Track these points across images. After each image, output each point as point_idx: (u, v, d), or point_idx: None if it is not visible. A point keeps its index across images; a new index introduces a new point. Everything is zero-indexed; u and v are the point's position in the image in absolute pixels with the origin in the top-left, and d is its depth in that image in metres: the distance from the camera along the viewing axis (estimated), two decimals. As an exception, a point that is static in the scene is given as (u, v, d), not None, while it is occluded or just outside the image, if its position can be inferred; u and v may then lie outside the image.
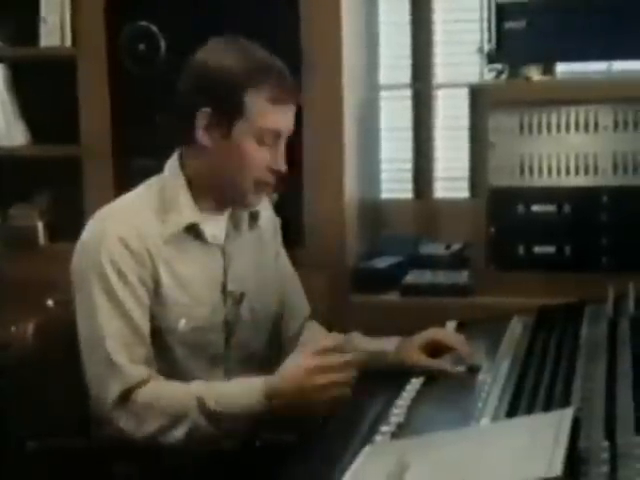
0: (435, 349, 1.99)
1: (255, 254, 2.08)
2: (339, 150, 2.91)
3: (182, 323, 1.93)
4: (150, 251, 1.90)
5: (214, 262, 1.99)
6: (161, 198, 1.95)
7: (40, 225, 3.23)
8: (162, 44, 2.97)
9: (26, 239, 3.20)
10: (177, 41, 2.96)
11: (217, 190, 1.96)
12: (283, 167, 1.94)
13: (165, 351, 1.93)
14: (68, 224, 3.10)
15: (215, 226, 1.99)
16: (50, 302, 2.09)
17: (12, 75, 3.28)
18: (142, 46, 2.98)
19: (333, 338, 1.91)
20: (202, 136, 1.90)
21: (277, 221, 2.18)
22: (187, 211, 1.94)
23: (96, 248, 1.88)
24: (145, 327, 1.90)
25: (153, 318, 1.91)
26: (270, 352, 2.11)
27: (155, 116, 3.00)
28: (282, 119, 1.92)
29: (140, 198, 1.97)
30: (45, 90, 3.24)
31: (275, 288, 2.12)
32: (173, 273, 1.93)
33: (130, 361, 1.85)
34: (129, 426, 1.82)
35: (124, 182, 3.01)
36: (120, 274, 1.87)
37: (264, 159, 1.91)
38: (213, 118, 1.88)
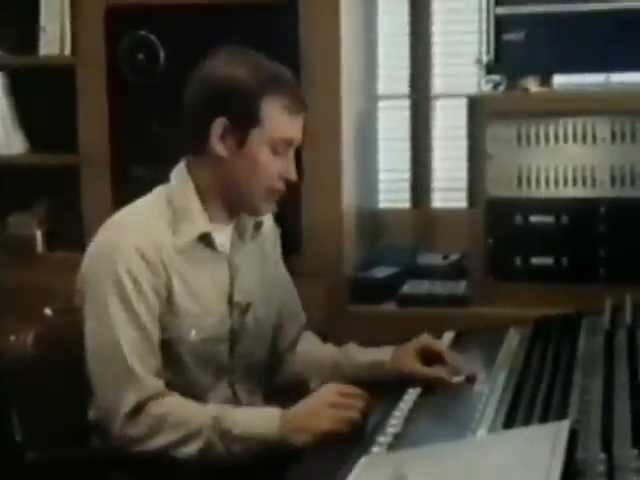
0: (430, 357, 2.00)
1: (258, 263, 2.08)
2: (337, 159, 2.92)
3: (193, 333, 1.93)
4: (164, 261, 1.90)
5: (221, 272, 2.00)
6: (171, 207, 1.95)
7: (39, 234, 3.24)
8: (161, 54, 2.98)
9: (25, 247, 3.21)
10: (176, 51, 2.97)
11: (227, 199, 1.97)
12: (294, 176, 1.96)
13: (174, 362, 1.93)
14: (67, 233, 3.13)
15: (223, 236, 2.00)
16: (49, 311, 2.09)
17: (11, 83, 3.28)
18: (141, 56, 2.99)
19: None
20: (217, 145, 1.91)
21: (277, 230, 2.19)
22: (199, 220, 1.95)
23: (112, 257, 1.88)
24: (156, 339, 1.90)
25: (164, 328, 1.91)
26: (270, 361, 2.12)
27: (154, 125, 3.01)
28: (295, 128, 1.94)
29: (151, 207, 1.97)
30: (44, 99, 3.25)
31: (276, 297, 2.12)
32: (185, 283, 1.93)
33: (149, 373, 1.85)
34: (141, 437, 1.82)
35: (122, 191, 3.03)
36: (136, 284, 1.87)
37: (277, 168, 1.93)
38: (229, 127, 1.89)
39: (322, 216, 2.92)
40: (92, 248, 1.95)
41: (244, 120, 1.89)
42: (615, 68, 2.73)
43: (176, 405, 1.84)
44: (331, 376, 2.05)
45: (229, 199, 1.97)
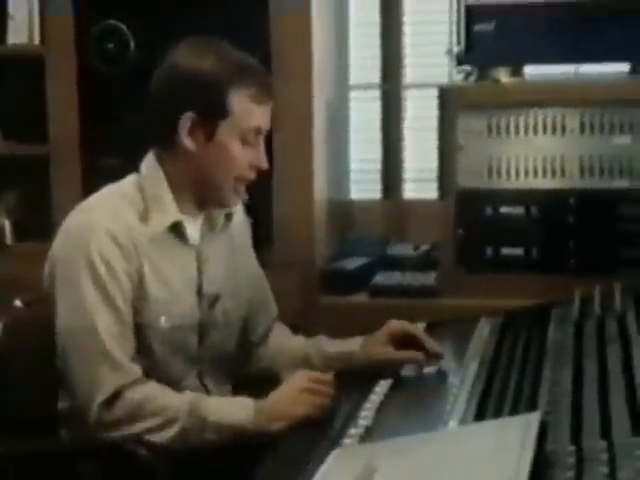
0: (400, 343, 2.00)
1: (228, 255, 2.08)
2: (308, 150, 2.91)
3: (162, 320, 1.93)
4: (136, 246, 1.90)
5: (190, 263, 1.99)
6: (142, 196, 1.94)
7: (7, 224, 3.20)
8: (131, 43, 2.95)
9: (-7, 238, 3.18)
10: (146, 40, 2.94)
11: (198, 190, 1.96)
12: (265, 164, 1.96)
13: (145, 349, 1.92)
14: (36, 223, 3.10)
15: (192, 227, 1.99)
16: (18, 302, 2.07)
17: (-21, 72, 3.25)
18: (111, 45, 2.96)
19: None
20: (186, 140, 1.90)
21: (248, 221, 2.19)
22: (171, 210, 1.94)
23: (85, 240, 1.87)
24: (130, 323, 1.90)
25: (135, 314, 1.91)
26: (239, 353, 2.12)
27: (124, 115, 2.99)
28: (263, 117, 1.93)
29: (122, 194, 1.96)
30: (13, 88, 3.21)
31: (246, 289, 2.12)
32: (155, 269, 1.93)
33: (127, 358, 1.85)
34: (117, 424, 1.81)
35: (92, 181, 2.99)
36: (109, 268, 1.86)
37: (247, 157, 1.93)
38: (196, 121, 1.89)
39: (293, 207, 2.92)
40: (63, 231, 1.94)
41: (212, 113, 1.88)
42: (585, 59, 2.74)
43: (154, 392, 1.84)
44: (301, 368, 2.05)
45: (199, 191, 1.96)
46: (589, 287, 2.16)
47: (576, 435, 1.37)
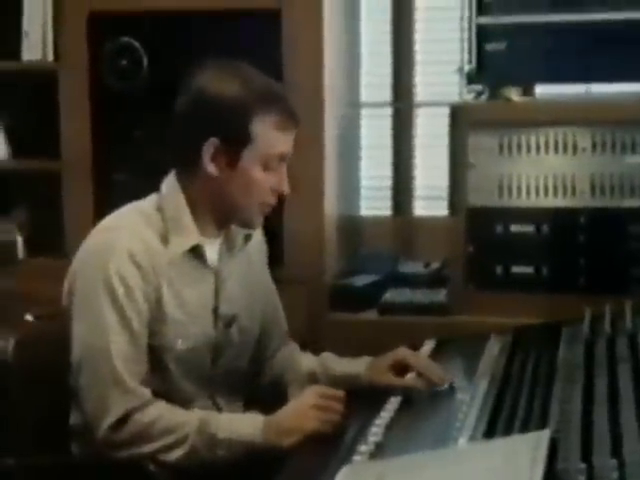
0: (405, 368, 2.00)
1: (244, 275, 2.08)
2: (319, 167, 2.92)
3: (179, 342, 1.94)
4: (155, 267, 1.90)
5: (207, 285, 2.00)
6: (162, 217, 1.95)
7: (19, 240, 3.22)
8: (144, 60, 2.97)
9: (5, 254, 3.18)
10: (160, 57, 2.96)
11: (219, 214, 1.97)
12: (287, 189, 1.97)
13: (160, 370, 1.93)
14: (48, 239, 3.11)
15: (211, 249, 2.00)
16: (29, 317, 2.08)
17: (-7, 88, 3.27)
18: (124, 62, 2.98)
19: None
20: (209, 165, 1.90)
21: (264, 240, 2.19)
22: (191, 232, 1.94)
23: (104, 260, 1.87)
24: (144, 345, 1.90)
25: (152, 335, 1.91)
26: (251, 370, 2.12)
27: (136, 132, 3.01)
28: (287, 144, 1.94)
29: (142, 214, 1.96)
30: (26, 104, 3.23)
31: (260, 308, 2.13)
32: (174, 291, 1.93)
33: (136, 381, 1.85)
34: (125, 445, 1.82)
35: (104, 197, 3.03)
36: (127, 289, 1.87)
37: (269, 183, 1.93)
38: (220, 148, 1.89)
39: (304, 223, 2.92)
40: (83, 250, 1.94)
41: (236, 140, 1.89)
42: (596, 79, 2.75)
43: (162, 413, 1.84)
44: (308, 385, 2.06)
45: (221, 213, 1.97)
46: (599, 306, 2.16)
47: (587, 453, 1.37)
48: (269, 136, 1.90)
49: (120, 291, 1.86)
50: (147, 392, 1.86)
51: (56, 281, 1.99)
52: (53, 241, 3.04)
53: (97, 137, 3.04)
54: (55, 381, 1.95)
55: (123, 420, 1.82)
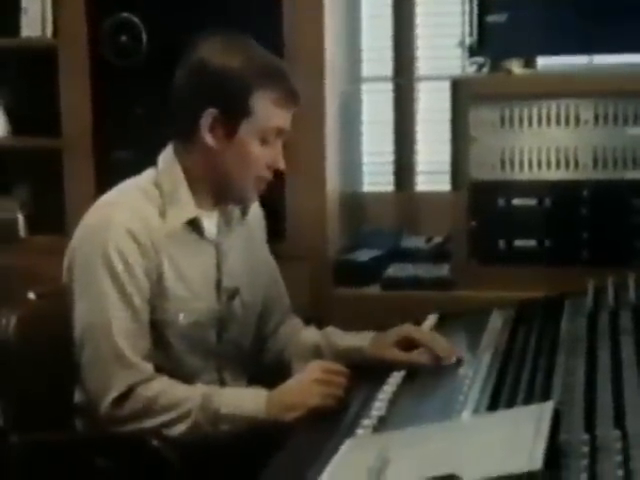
0: (410, 344, 2.00)
1: (245, 249, 2.08)
2: (321, 143, 2.91)
3: (181, 317, 1.94)
4: (154, 243, 1.90)
5: (209, 258, 2.00)
6: (159, 192, 1.95)
7: (20, 217, 3.22)
8: (144, 36, 2.95)
9: (6, 231, 3.19)
10: (159, 33, 2.95)
11: (215, 186, 1.97)
12: (282, 165, 1.97)
13: (163, 345, 1.93)
14: (49, 216, 3.11)
15: (209, 222, 2.00)
16: (31, 295, 2.08)
17: (-8, 66, 3.26)
18: (124, 38, 2.96)
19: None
20: (206, 136, 1.90)
21: (263, 215, 2.19)
22: (187, 205, 1.95)
23: (103, 237, 1.87)
24: (146, 320, 1.90)
25: (153, 311, 1.92)
26: (255, 346, 2.12)
27: (137, 108, 3.00)
28: (285, 120, 1.94)
29: (139, 190, 1.96)
30: (26, 81, 3.22)
31: (262, 282, 2.13)
32: (174, 266, 1.93)
33: (138, 356, 1.85)
34: (128, 420, 1.82)
35: (105, 175, 3.02)
36: (127, 265, 1.87)
37: (266, 158, 1.94)
38: (219, 118, 1.89)
39: (306, 200, 2.91)
40: (82, 228, 1.94)
41: (235, 112, 1.89)
42: (598, 50, 2.73)
43: (165, 388, 1.85)
44: (312, 359, 2.06)
45: (216, 187, 1.97)
46: (602, 278, 2.15)
47: (590, 424, 1.37)
48: (268, 111, 1.90)
49: (119, 267, 1.86)
50: (150, 367, 1.87)
51: (57, 259, 1.99)
52: (54, 219, 3.04)
53: (97, 114, 3.03)
54: (57, 358, 1.95)
55: (125, 395, 1.83)
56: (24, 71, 3.21)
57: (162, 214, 1.93)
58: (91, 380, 1.87)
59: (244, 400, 1.84)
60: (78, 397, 1.97)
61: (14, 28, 3.15)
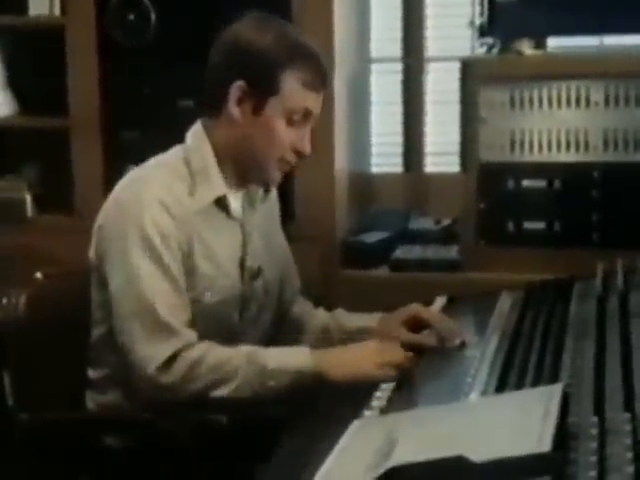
0: (417, 324, 1.99)
1: (265, 229, 2.09)
2: (329, 123, 2.90)
3: (208, 295, 1.94)
4: (185, 219, 1.90)
5: (234, 237, 2.00)
6: (188, 169, 1.94)
7: (28, 197, 3.21)
8: (152, 15, 2.94)
9: (14, 211, 3.18)
10: (168, 12, 2.94)
11: (241, 165, 1.96)
12: (308, 149, 1.95)
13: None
14: (56, 196, 3.11)
15: (235, 201, 2.00)
16: (39, 275, 2.08)
17: (0, 44, 3.25)
18: (132, 16, 2.95)
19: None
20: (233, 108, 1.90)
21: (277, 196, 2.19)
22: (217, 183, 1.94)
23: (138, 211, 1.86)
24: (185, 292, 1.90)
25: None
26: (273, 328, 2.13)
27: (144, 88, 2.99)
28: (314, 102, 1.93)
29: (168, 168, 1.95)
30: (33, 60, 3.21)
31: (280, 262, 2.13)
32: (203, 244, 1.93)
33: (181, 323, 1.85)
34: (176, 384, 1.80)
35: (113, 154, 3.02)
36: (163, 238, 1.86)
37: (290, 138, 1.92)
38: (247, 92, 1.89)
39: (314, 180, 2.91)
40: (113, 204, 1.93)
41: (263, 87, 1.89)
42: (609, 31, 2.71)
43: (210, 349, 1.84)
44: (320, 340, 2.06)
45: (242, 166, 1.96)
46: (612, 261, 2.14)
47: (599, 407, 1.36)
48: (296, 91, 1.90)
49: (156, 240, 1.85)
50: (193, 334, 1.86)
51: (65, 238, 2.00)
52: (62, 198, 3.04)
53: (105, 93, 3.03)
54: (66, 338, 1.96)
55: (171, 361, 1.81)
56: (32, 50, 3.20)
57: (191, 192, 1.92)
58: (134, 353, 1.84)
59: (290, 355, 1.83)
60: (93, 373, 1.98)
61: (22, 6, 3.14)
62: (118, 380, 1.94)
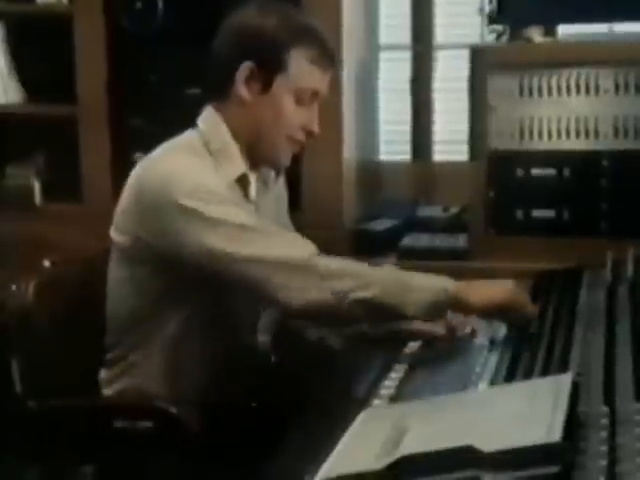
0: None
1: (276, 212, 2.11)
2: (338, 111, 2.89)
3: None
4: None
5: None
6: (208, 150, 1.94)
7: (36, 185, 3.21)
8: (160, 3, 2.93)
9: (22, 199, 3.18)
10: (175, 1, 2.93)
11: (252, 147, 1.97)
12: (316, 128, 1.97)
13: (218, 294, 1.92)
14: (64, 184, 3.11)
15: (252, 181, 2.01)
16: (47, 262, 2.08)
17: (8, 32, 3.24)
18: (139, 4, 2.94)
19: None
20: (242, 89, 1.91)
21: (284, 180, 2.19)
22: (238, 161, 1.95)
23: (182, 177, 1.84)
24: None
25: None
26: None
27: (152, 76, 2.99)
28: (321, 81, 1.95)
29: (189, 148, 1.94)
30: (41, 48, 3.21)
31: None
32: None
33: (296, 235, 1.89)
34: (326, 284, 1.78)
35: (121, 142, 3.01)
36: (214, 193, 1.85)
37: (299, 117, 1.94)
38: (255, 71, 1.91)
39: (322, 168, 2.90)
40: (150, 180, 1.88)
41: (270, 66, 1.91)
42: (620, 18, 2.70)
43: (346, 260, 1.85)
44: (328, 330, 2.06)
45: (253, 147, 1.97)
46: (622, 250, 2.13)
47: (609, 397, 1.35)
48: (303, 68, 1.92)
49: (214, 197, 1.84)
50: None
51: (72, 226, 1.99)
52: (70, 186, 3.04)
53: (113, 82, 3.02)
54: (74, 325, 1.96)
55: (308, 262, 1.81)
56: (40, 38, 3.20)
57: (216, 169, 1.92)
58: (272, 290, 1.80)
59: (432, 276, 1.83)
60: (111, 355, 1.98)
61: (30, -6, 3.13)
62: (134, 362, 1.96)
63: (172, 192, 1.83)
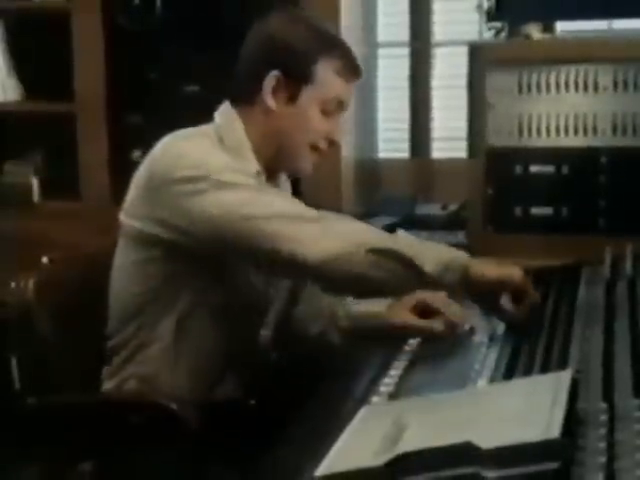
0: (425, 311, 1.99)
1: None
2: (336, 109, 2.89)
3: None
4: None
5: None
6: (222, 145, 1.93)
7: (34, 182, 3.21)
8: (157, 0, 2.93)
9: (20, 196, 3.19)
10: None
11: (271, 154, 1.96)
12: (340, 138, 1.99)
13: (227, 278, 1.93)
14: (62, 181, 3.11)
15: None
16: (45, 259, 2.08)
17: (5, 29, 3.24)
18: (137, 1, 2.95)
19: None
20: (269, 98, 1.91)
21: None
22: (251, 159, 1.94)
23: (198, 154, 1.86)
24: None
25: None
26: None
27: (150, 72, 2.99)
28: (346, 92, 1.96)
29: (207, 136, 1.93)
30: (39, 45, 3.21)
31: None
32: None
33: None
34: (339, 231, 1.80)
35: (118, 139, 3.02)
36: (231, 166, 1.86)
37: (324, 127, 1.94)
38: (282, 81, 1.91)
39: (321, 166, 2.87)
40: (167, 158, 1.88)
41: (298, 76, 1.91)
42: (618, 14, 2.70)
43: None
44: (328, 325, 2.07)
45: (274, 156, 1.96)
46: (620, 247, 2.13)
47: (608, 393, 1.35)
48: (330, 80, 1.92)
49: (225, 168, 1.85)
50: None
51: (71, 223, 1.99)
52: (68, 183, 3.04)
53: (111, 78, 3.03)
54: (74, 322, 1.96)
55: (324, 217, 1.83)
56: (38, 35, 3.20)
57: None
58: (287, 243, 1.78)
59: (445, 247, 1.87)
60: (112, 343, 1.98)
61: (27, -9, 3.14)
62: (138, 347, 1.95)
63: (183, 165, 1.84)
